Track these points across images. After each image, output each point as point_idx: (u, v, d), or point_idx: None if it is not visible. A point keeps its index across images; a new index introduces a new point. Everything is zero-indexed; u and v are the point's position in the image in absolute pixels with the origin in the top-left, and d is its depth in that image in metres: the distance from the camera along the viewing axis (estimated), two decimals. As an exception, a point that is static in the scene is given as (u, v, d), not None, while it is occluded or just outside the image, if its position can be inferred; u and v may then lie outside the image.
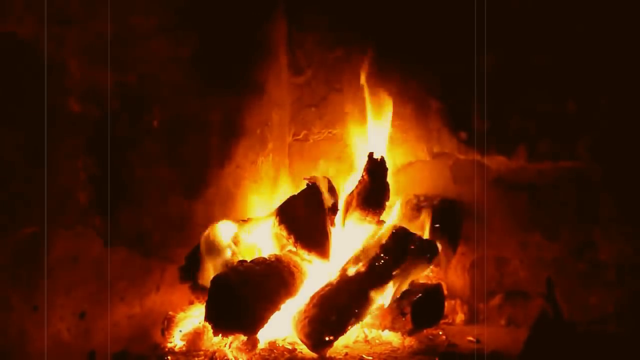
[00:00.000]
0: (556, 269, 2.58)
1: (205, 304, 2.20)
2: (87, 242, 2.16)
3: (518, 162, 2.66)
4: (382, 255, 2.41)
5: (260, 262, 2.33)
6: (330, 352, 2.25)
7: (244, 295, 2.15)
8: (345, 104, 3.00)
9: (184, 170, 2.55)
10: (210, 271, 2.38)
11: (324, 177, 2.64)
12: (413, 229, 2.60)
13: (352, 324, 2.31)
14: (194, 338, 2.32)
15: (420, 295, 2.45)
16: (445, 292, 2.62)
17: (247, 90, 2.88)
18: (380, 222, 2.62)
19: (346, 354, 2.28)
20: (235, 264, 2.37)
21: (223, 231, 2.49)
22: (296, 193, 2.55)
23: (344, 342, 2.34)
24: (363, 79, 2.87)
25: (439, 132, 2.81)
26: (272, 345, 2.29)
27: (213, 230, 2.46)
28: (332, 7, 2.95)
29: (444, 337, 2.45)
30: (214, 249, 2.43)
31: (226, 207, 2.75)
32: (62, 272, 2.06)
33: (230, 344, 2.22)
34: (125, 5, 2.27)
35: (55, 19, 2.01)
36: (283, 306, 2.28)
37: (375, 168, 2.62)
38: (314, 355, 2.24)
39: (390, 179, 2.66)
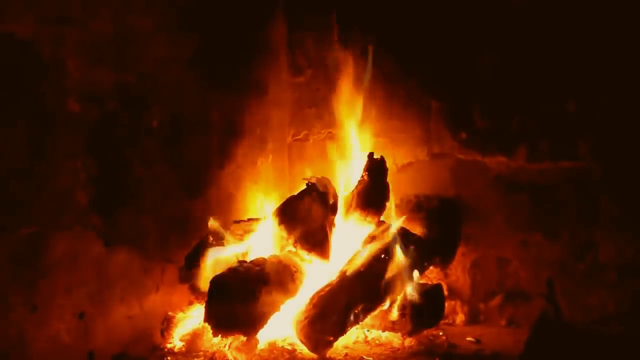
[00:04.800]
0: (557, 269, 2.57)
1: (204, 305, 2.20)
2: (86, 243, 2.15)
3: (518, 162, 2.66)
4: (382, 255, 2.40)
5: (260, 263, 2.32)
6: (330, 353, 2.25)
7: (243, 296, 2.15)
8: (345, 104, 2.99)
9: (184, 170, 2.55)
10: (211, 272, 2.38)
11: (324, 177, 2.63)
12: (413, 229, 2.60)
13: (352, 325, 2.30)
14: (194, 339, 2.32)
15: (420, 295, 2.45)
16: (446, 292, 2.62)
17: (247, 90, 2.88)
18: (381, 223, 2.61)
19: (346, 354, 2.28)
20: (235, 264, 2.37)
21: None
22: (296, 193, 2.55)
23: (343, 343, 2.34)
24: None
25: (439, 132, 2.80)
26: (272, 346, 2.29)
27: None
28: (332, 7, 2.95)
29: (444, 337, 2.45)
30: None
31: (226, 207, 2.75)
32: (61, 272, 2.05)
33: (229, 345, 2.22)
34: (124, 5, 2.27)
35: (54, 19, 2.01)
36: (283, 307, 2.27)
37: (376, 168, 2.61)
38: (314, 355, 2.24)
39: (390, 179, 2.66)
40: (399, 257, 2.42)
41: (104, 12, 2.18)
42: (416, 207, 2.75)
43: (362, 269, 2.38)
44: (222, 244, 2.49)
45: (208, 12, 2.64)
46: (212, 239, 2.51)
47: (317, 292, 2.32)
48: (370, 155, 2.64)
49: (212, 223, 2.50)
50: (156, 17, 2.40)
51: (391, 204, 2.68)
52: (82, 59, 2.10)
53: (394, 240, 2.46)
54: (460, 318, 2.70)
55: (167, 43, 2.46)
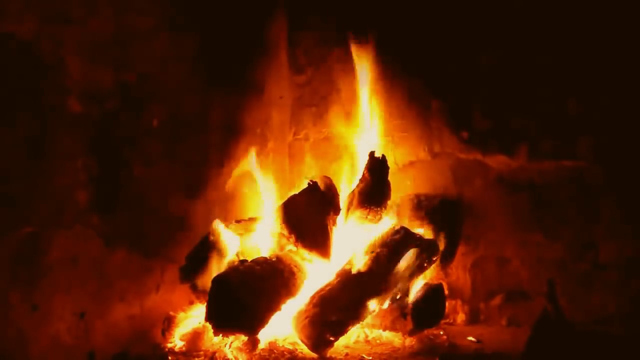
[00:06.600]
0: (557, 269, 2.57)
1: (205, 304, 2.20)
2: (86, 242, 2.15)
3: (519, 162, 2.65)
4: (382, 254, 2.40)
5: (261, 262, 2.32)
6: (330, 352, 2.25)
7: (244, 296, 2.15)
8: (345, 103, 2.98)
9: (184, 170, 2.55)
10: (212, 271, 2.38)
11: (325, 176, 2.63)
12: (413, 228, 2.60)
13: (353, 324, 2.30)
14: (194, 338, 2.31)
15: (421, 295, 2.45)
16: (446, 292, 2.61)
17: (247, 90, 2.88)
18: (382, 222, 2.61)
19: (347, 354, 2.27)
20: (236, 263, 2.37)
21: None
22: (297, 192, 2.55)
23: (344, 342, 2.34)
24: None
25: (440, 131, 2.80)
26: (273, 346, 2.28)
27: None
28: (333, 7, 2.94)
29: (444, 337, 2.45)
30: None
31: (226, 206, 2.75)
32: (61, 272, 2.05)
33: (230, 344, 2.22)
34: (125, 5, 2.26)
35: (55, 19, 2.01)
36: (284, 306, 2.27)
37: (377, 167, 2.61)
38: (315, 355, 2.23)
39: (391, 178, 2.65)
40: (400, 256, 2.42)
41: (104, 12, 2.18)
42: (417, 206, 2.75)
43: (362, 269, 2.38)
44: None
45: (208, 11, 2.63)
46: (212, 238, 2.51)
47: (318, 292, 2.32)
48: (372, 154, 2.63)
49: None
50: (156, 17, 2.40)
51: (393, 203, 2.68)
52: (82, 59, 2.10)
53: (394, 240, 2.45)
54: (460, 317, 2.69)
55: (168, 42, 2.45)
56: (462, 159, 2.77)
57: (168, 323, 2.38)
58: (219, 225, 2.52)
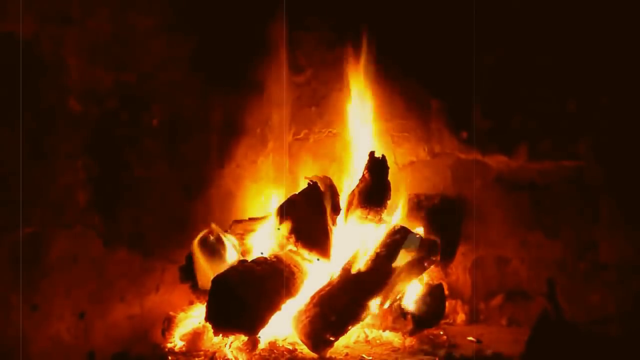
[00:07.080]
0: (557, 269, 2.57)
1: (205, 304, 2.20)
2: (86, 242, 2.15)
3: (519, 162, 2.65)
4: (383, 254, 2.40)
5: (261, 262, 2.32)
6: (330, 352, 2.25)
7: (244, 295, 2.15)
8: (345, 103, 2.99)
9: (184, 170, 2.54)
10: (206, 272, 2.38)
11: (325, 176, 2.63)
12: (413, 228, 2.60)
13: (353, 324, 2.30)
14: (194, 338, 2.31)
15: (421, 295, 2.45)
16: (446, 292, 2.61)
17: (247, 90, 2.88)
18: (382, 221, 2.61)
19: (347, 354, 2.27)
20: (235, 263, 2.37)
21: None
22: (297, 192, 2.55)
23: (344, 342, 2.34)
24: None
25: (439, 131, 2.80)
26: (273, 346, 2.28)
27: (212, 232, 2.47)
28: (333, 7, 2.94)
29: (444, 337, 2.44)
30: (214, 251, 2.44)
31: (226, 206, 2.74)
32: (61, 272, 2.06)
33: (230, 344, 2.22)
34: (124, 5, 2.26)
35: (55, 19, 2.01)
36: (284, 306, 2.27)
37: (377, 166, 2.61)
38: (314, 355, 2.23)
39: (391, 178, 2.65)
40: (400, 256, 2.42)
41: (103, 12, 2.18)
42: (416, 206, 2.75)
43: (363, 268, 2.38)
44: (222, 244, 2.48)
45: (208, 12, 2.63)
46: (212, 237, 2.50)
47: (318, 292, 2.32)
48: (372, 154, 2.63)
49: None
50: (156, 17, 2.40)
51: (398, 204, 2.69)
52: (82, 59, 2.10)
53: (394, 240, 2.45)
54: (460, 318, 2.69)
55: (167, 42, 2.45)
56: (462, 159, 2.77)
57: (168, 323, 2.38)
58: (218, 226, 2.52)
